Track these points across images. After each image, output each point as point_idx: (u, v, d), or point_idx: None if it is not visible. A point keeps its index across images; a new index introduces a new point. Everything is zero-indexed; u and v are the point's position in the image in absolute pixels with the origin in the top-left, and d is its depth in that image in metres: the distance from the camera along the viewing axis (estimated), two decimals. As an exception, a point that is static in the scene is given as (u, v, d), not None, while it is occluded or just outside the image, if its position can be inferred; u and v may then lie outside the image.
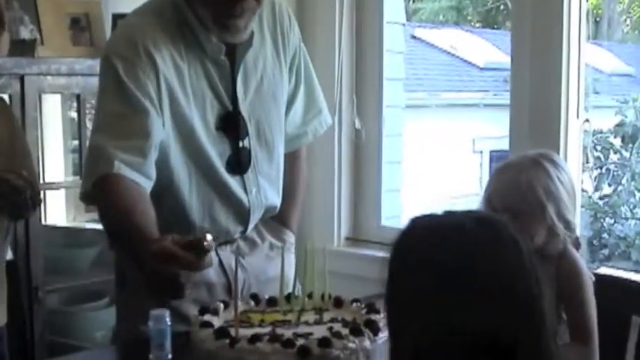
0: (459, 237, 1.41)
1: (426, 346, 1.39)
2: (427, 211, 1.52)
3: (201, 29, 2.30)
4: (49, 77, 3.12)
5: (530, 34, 3.23)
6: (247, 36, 2.36)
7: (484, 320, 1.36)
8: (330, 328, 1.85)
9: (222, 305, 2.02)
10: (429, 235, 1.44)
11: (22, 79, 3.05)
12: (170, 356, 2.09)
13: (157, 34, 2.27)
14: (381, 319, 1.91)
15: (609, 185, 6.10)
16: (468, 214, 1.50)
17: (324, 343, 1.74)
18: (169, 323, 2.09)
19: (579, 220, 2.57)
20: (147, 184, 2.20)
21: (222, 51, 2.33)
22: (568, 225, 2.33)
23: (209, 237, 1.88)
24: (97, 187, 2.16)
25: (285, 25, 2.51)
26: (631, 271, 3.12)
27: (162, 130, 2.24)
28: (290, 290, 2.14)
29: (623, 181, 6.07)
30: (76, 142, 3.98)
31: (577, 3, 3.18)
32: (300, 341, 1.76)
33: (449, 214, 1.49)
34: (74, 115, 3.91)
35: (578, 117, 3.23)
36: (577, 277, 2.32)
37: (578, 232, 2.43)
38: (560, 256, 2.34)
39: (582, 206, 4.63)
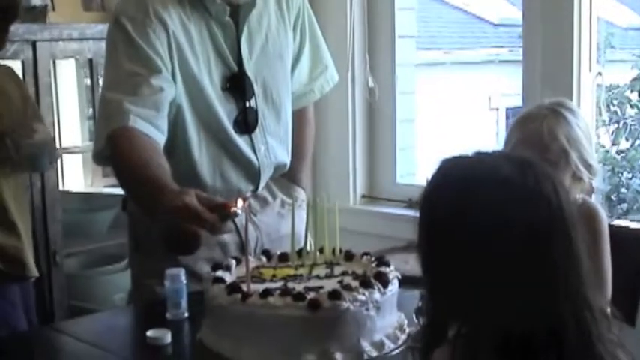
0: (496, 184, 1.33)
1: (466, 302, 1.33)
2: (454, 154, 1.44)
3: None
4: (60, 43, 3.13)
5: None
6: None
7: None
8: (341, 281, 1.87)
9: (234, 261, 2.03)
10: (463, 187, 1.35)
11: (34, 45, 3.07)
12: (186, 314, 2.12)
13: None
14: (390, 271, 1.93)
15: (626, 140, 6.05)
16: (500, 156, 1.44)
17: (334, 295, 1.75)
18: (185, 282, 2.12)
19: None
20: (160, 139, 2.22)
21: (226, 12, 2.34)
22: (590, 168, 2.37)
23: (240, 204, 1.88)
24: (111, 141, 2.17)
25: None
26: (648, 224, 3.12)
27: (173, 88, 2.26)
28: (301, 246, 2.15)
29: (641, 135, 6.03)
30: (91, 110, 4.00)
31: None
32: (311, 294, 1.77)
33: (480, 156, 1.42)
34: (88, 82, 3.93)
35: (590, 70, 3.22)
36: (598, 223, 2.35)
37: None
38: (582, 201, 2.37)
39: (600, 161, 4.62)
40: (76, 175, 4.35)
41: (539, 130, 2.32)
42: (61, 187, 3.65)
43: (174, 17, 2.29)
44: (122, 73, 2.23)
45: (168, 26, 2.27)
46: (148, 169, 2.08)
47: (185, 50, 2.30)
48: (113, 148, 2.17)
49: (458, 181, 1.37)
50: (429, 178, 1.42)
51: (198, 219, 1.86)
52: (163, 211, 1.91)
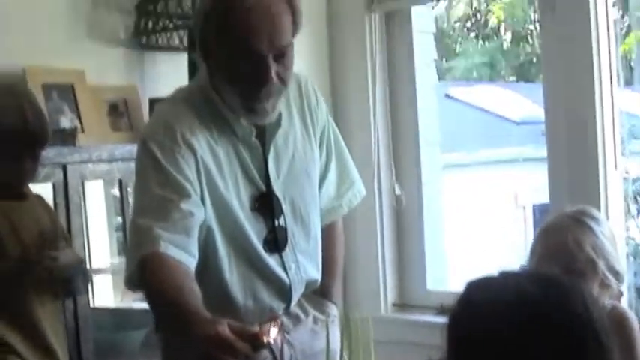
0: (522, 307, 1.35)
1: None
2: (480, 275, 1.46)
3: (230, 114, 2.35)
4: (90, 164, 3.17)
5: (562, 85, 3.26)
6: (275, 117, 2.40)
7: None
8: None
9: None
10: (490, 311, 1.37)
11: (64, 168, 3.10)
12: None
13: (192, 120, 2.33)
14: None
15: (652, 232, 6.03)
16: (526, 276, 1.44)
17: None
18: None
19: (626, 268, 2.58)
20: (191, 263, 2.23)
21: (252, 133, 2.37)
22: (617, 275, 2.37)
23: (273, 332, 1.89)
24: (143, 267, 2.19)
25: (313, 102, 2.55)
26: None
27: (203, 211, 2.28)
28: (337, 361, 2.14)
29: (668, 227, 6.00)
30: (120, 219, 4.02)
31: (606, 50, 3.19)
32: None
33: (506, 277, 1.44)
34: (116, 192, 3.96)
35: (616, 168, 3.23)
36: (630, 328, 2.34)
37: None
38: (612, 307, 2.35)
39: (630, 254, 4.59)
40: (106, 290, 4.35)
41: (564, 241, 2.33)
42: (91, 304, 3.65)
43: (202, 141, 2.32)
44: (152, 198, 2.26)
45: (196, 151, 2.30)
46: (179, 295, 2.10)
47: (213, 173, 2.32)
48: (144, 274, 2.18)
49: (485, 305, 1.39)
50: (456, 300, 1.44)
51: (230, 349, 1.87)
52: (195, 339, 1.92)
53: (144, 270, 2.19)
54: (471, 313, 1.40)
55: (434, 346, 2.35)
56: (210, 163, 2.32)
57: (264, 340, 1.86)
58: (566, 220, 2.41)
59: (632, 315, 2.39)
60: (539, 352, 1.31)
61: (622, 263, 2.44)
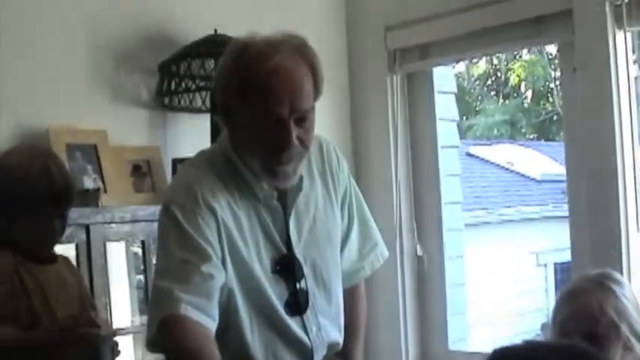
0: None
1: None
2: (505, 345, 1.46)
3: (252, 177, 2.35)
4: (113, 225, 3.18)
5: (583, 143, 3.26)
6: (297, 180, 2.41)
7: None
8: None
9: None
10: None
11: (87, 228, 3.12)
12: None
13: (213, 183, 2.33)
14: None
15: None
16: (550, 348, 1.45)
17: None
18: None
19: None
20: (212, 326, 2.22)
21: (274, 197, 2.38)
22: None
23: None
24: (163, 329, 2.18)
25: (334, 165, 2.56)
26: None
27: (224, 274, 2.28)
28: None
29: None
30: (141, 277, 4.02)
31: (627, 108, 3.20)
32: None
33: (530, 348, 1.44)
34: (138, 251, 3.96)
35: (638, 230, 3.21)
36: None
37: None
38: None
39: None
40: (127, 350, 4.34)
41: (587, 304, 2.33)
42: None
43: (223, 204, 2.32)
44: (173, 261, 2.25)
45: (217, 214, 2.30)
46: (199, 358, 2.09)
47: (234, 236, 2.32)
48: (165, 336, 2.18)
49: None
50: None
51: None
52: None
53: (164, 332, 2.18)
54: None
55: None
56: (231, 225, 2.32)
57: None
58: (588, 284, 2.41)
59: None
60: None
61: None
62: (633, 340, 2.32)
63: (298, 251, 2.42)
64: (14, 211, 2.48)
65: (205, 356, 2.10)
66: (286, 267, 2.40)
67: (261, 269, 2.36)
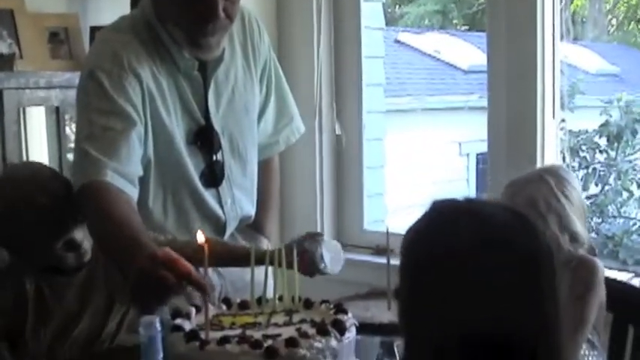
0: (487, 228, 1.36)
1: (449, 345, 1.34)
2: (446, 198, 1.48)
3: (174, 46, 2.33)
4: (27, 91, 3.13)
5: (505, 35, 3.27)
6: (219, 52, 2.39)
7: (507, 316, 1.32)
8: (299, 329, 1.87)
9: (194, 309, 2.03)
10: (453, 230, 1.38)
11: (0, 93, 3.06)
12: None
13: (138, 49, 2.32)
14: (348, 318, 1.93)
15: (596, 185, 6.10)
16: (491, 203, 1.48)
17: (291, 343, 1.76)
18: (160, 329, 2.11)
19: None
20: (134, 194, 2.23)
21: (195, 66, 2.36)
22: (574, 237, 2.39)
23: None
24: (87, 194, 2.17)
25: (256, 37, 2.54)
26: (619, 270, 3.14)
27: (147, 141, 2.27)
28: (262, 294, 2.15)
29: (610, 180, 6.07)
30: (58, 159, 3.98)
31: (550, 1, 3.20)
32: (269, 342, 1.78)
33: (470, 201, 1.47)
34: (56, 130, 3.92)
35: (554, 117, 3.26)
36: (591, 274, 2.40)
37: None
38: (580, 255, 2.42)
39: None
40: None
41: (519, 193, 2.38)
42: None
43: (147, 69, 2.31)
44: (97, 128, 2.23)
45: (142, 80, 2.29)
46: (128, 226, 2.08)
47: (157, 103, 2.31)
48: (88, 201, 2.16)
49: (449, 223, 1.40)
50: (420, 218, 1.44)
51: (173, 268, 1.85)
52: (136, 262, 1.89)
53: (88, 197, 2.17)
54: (433, 230, 1.41)
55: (365, 285, 2.38)
56: (154, 92, 2.31)
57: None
58: (529, 176, 2.47)
59: (597, 261, 2.43)
60: (493, 276, 1.33)
61: (580, 227, 2.45)
62: (564, 237, 2.37)
63: (216, 123, 2.42)
64: None
65: (131, 224, 2.10)
66: (203, 138, 2.40)
67: (180, 140, 2.36)
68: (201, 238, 1.94)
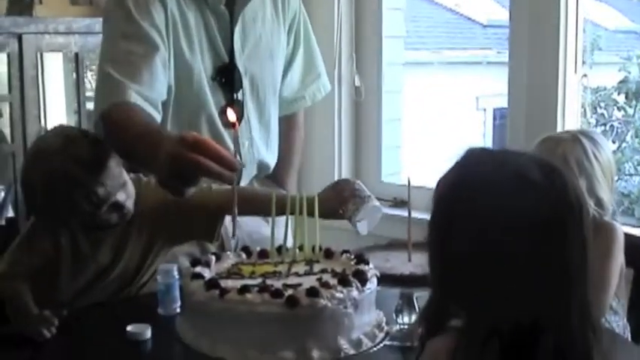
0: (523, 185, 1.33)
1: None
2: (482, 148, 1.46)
3: None
4: (47, 36, 3.13)
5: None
6: None
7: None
8: (320, 279, 1.85)
9: (213, 257, 2.02)
10: (488, 184, 1.35)
11: (19, 38, 3.06)
12: (179, 310, 2.11)
13: None
14: (369, 269, 1.92)
15: (613, 142, 6.08)
16: (527, 156, 1.43)
17: (312, 292, 1.75)
18: (177, 277, 2.11)
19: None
20: (157, 117, 2.21)
21: (222, 1, 2.34)
22: (599, 202, 2.39)
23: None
24: (110, 113, 2.14)
25: None
26: (635, 226, 3.13)
27: (170, 68, 2.26)
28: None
29: (627, 137, 6.05)
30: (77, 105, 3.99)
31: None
32: (289, 291, 1.76)
33: (504, 151, 1.44)
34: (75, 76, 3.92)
35: (576, 72, 3.23)
36: (612, 237, 2.40)
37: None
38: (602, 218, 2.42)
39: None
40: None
41: (553, 150, 2.38)
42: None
43: (174, 0, 2.29)
44: (121, 50, 2.22)
45: (167, 6, 2.27)
46: (149, 125, 2.06)
47: (180, 34, 2.31)
48: (111, 118, 2.12)
49: (483, 173, 1.38)
50: (454, 164, 1.42)
51: (204, 147, 1.74)
52: (168, 148, 1.78)
53: (110, 115, 2.13)
54: (467, 181, 1.39)
55: (384, 237, 2.38)
56: (178, 21, 2.30)
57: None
58: (564, 135, 2.46)
59: (618, 227, 2.42)
60: (522, 231, 1.31)
61: (606, 193, 2.45)
62: (589, 201, 2.36)
63: (240, 62, 2.41)
64: None
65: (154, 123, 2.09)
66: (226, 76, 2.39)
67: (202, 74, 2.35)
68: (232, 116, 1.92)
